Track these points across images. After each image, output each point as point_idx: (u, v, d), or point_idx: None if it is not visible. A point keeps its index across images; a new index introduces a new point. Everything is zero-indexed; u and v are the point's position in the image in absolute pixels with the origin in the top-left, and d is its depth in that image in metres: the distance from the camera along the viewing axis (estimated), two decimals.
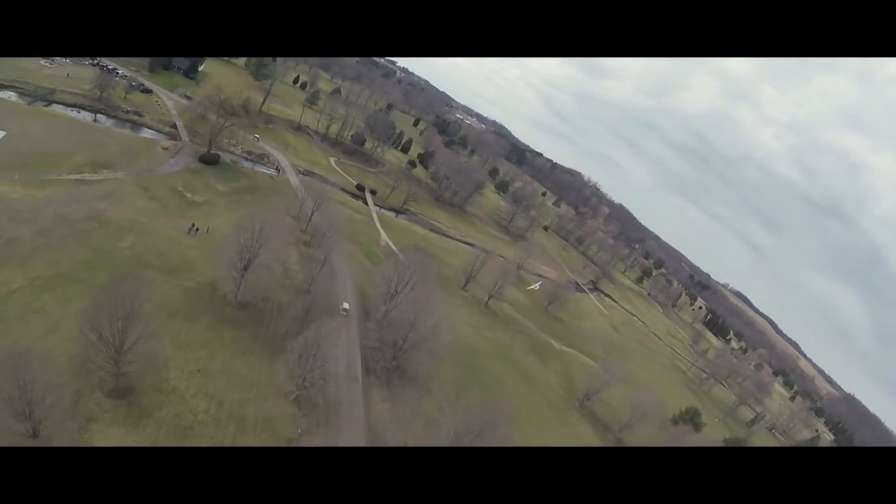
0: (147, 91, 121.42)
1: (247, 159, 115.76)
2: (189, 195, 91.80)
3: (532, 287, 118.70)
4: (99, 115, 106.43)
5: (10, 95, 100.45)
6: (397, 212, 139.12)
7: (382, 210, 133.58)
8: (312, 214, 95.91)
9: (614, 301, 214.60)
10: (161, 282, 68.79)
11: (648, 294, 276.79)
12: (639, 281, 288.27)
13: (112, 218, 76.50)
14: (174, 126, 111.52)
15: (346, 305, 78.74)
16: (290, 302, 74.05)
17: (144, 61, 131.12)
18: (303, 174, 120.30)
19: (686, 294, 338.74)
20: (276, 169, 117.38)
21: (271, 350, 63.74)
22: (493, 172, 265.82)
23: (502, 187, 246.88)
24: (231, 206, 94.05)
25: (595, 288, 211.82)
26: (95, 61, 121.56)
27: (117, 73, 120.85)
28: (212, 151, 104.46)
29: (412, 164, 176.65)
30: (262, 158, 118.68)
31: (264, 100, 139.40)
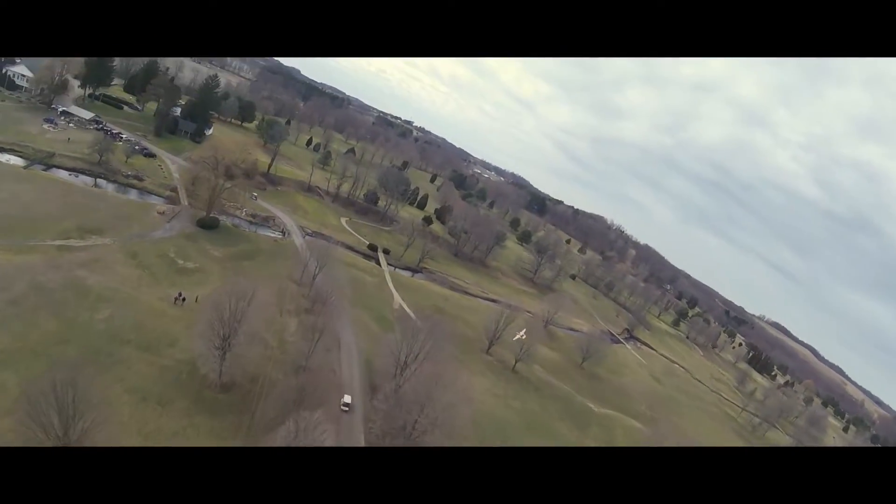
0: (150, 155, 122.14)
1: (251, 222, 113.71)
2: (181, 262, 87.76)
3: (519, 336, 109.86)
4: (99, 180, 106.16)
5: (9, 159, 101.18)
6: (413, 271, 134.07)
7: (397, 270, 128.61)
8: (315, 278, 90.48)
9: (652, 349, 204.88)
10: (135, 359, 63.57)
11: (686, 337, 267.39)
12: (675, 324, 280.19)
13: (92, 287, 72.91)
14: (174, 190, 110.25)
15: (347, 399, 68.86)
16: (283, 381, 66.60)
17: (150, 126, 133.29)
18: (310, 236, 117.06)
19: (724, 332, 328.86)
20: (281, 232, 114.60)
21: (253, 443, 55.78)
22: (515, 223, 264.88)
23: (525, 238, 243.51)
24: (226, 272, 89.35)
25: (631, 336, 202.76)
26: (99, 125, 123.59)
27: (120, 137, 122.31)
28: (211, 215, 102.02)
29: (428, 220, 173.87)
30: (267, 221, 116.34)
31: (272, 161, 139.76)
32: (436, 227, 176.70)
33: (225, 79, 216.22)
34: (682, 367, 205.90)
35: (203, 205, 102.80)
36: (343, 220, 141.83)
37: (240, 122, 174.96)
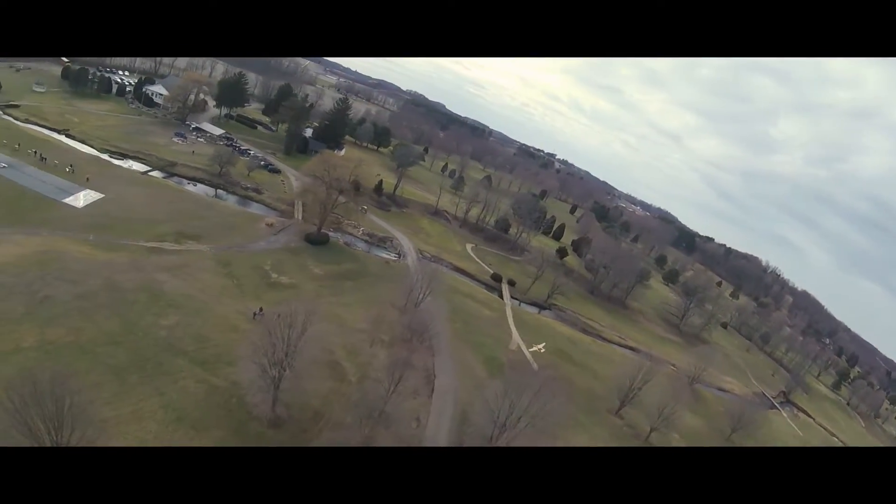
0: (275, 171, 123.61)
1: (367, 242, 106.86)
2: (274, 276, 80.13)
3: (537, 349, 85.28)
4: (219, 191, 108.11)
5: (131, 165, 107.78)
6: (540, 307, 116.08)
7: (521, 305, 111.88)
8: (418, 305, 76.80)
9: (810, 417, 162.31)
10: (185, 374, 55.09)
11: (847, 403, 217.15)
12: (835, 386, 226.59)
13: (167, 292, 68.46)
14: (291, 204, 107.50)
15: None
16: (349, 426, 51.92)
17: (281, 145, 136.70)
18: (428, 260, 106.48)
19: (888, 399, 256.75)
20: (397, 254, 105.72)
21: None
22: (661, 260, 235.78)
23: (671, 277, 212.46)
24: (322, 291, 79.83)
25: (787, 401, 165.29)
26: (228, 142, 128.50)
27: (248, 153, 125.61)
28: (322, 231, 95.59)
29: (562, 251, 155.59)
30: (384, 242, 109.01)
31: (398, 182, 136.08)
32: (571, 259, 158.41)
33: (364, 107, 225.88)
34: (842, 443, 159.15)
35: (317, 220, 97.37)
36: (468, 247, 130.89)
37: (375, 147, 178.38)
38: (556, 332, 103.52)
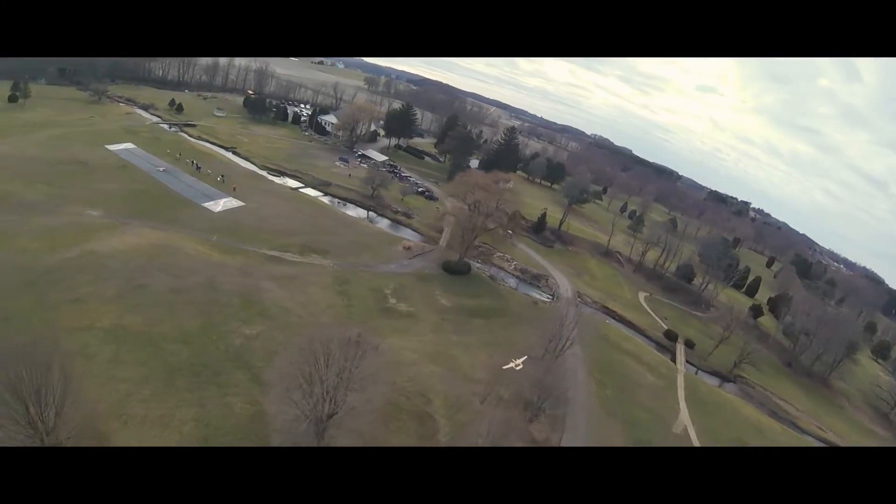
0: (432, 198, 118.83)
1: (518, 278, 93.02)
2: (393, 301, 70.38)
3: (512, 365, 53.14)
4: (370, 213, 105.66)
5: (286, 181, 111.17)
6: (723, 378, 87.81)
7: (698, 373, 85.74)
8: (556, 357, 59.87)
9: None
10: (239, 391, 50.35)
11: None
12: None
13: (265, 300, 64.43)
14: (440, 231, 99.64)
15: None
16: None
17: (444, 174, 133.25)
18: (587, 306, 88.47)
19: None
20: (550, 295, 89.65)
21: None
22: (870, 328, 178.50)
23: (881, 351, 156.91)
24: (442, 326, 67.58)
25: None
26: (390, 168, 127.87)
27: (408, 179, 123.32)
28: (463, 259, 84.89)
29: (756, 309, 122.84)
30: (537, 280, 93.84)
31: (564, 216, 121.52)
32: (766, 321, 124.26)
33: (541, 146, 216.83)
34: None
35: (462, 248, 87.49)
36: (641, 296, 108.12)
37: (549, 184, 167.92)
38: (739, 415, 76.20)
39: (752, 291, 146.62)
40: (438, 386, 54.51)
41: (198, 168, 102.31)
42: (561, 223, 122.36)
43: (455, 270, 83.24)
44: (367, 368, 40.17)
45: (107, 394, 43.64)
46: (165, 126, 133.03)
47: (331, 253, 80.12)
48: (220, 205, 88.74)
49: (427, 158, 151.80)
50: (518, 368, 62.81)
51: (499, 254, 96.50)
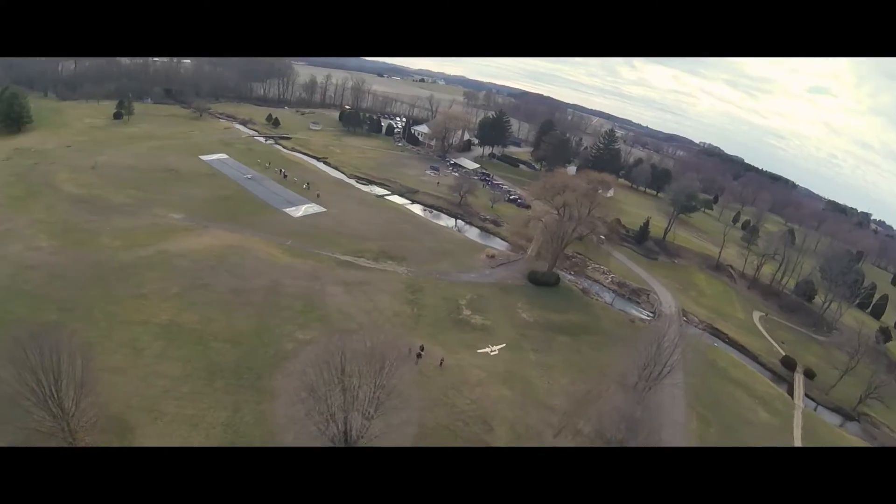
0: (524, 206, 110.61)
1: (615, 292, 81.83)
2: (467, 312, 63.12)
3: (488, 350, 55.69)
4: (458, 221, 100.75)
5: (372, 189, 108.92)
6: (845, 415, 69.36)
7: (818, 408, 68.54)
8: (650, 388, 48.96)
9: None
10: (272, 397, 40.91)
11: None
12: None
13: (327, 306, 62.12)
14: (530, 239, 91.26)
15: None
16: None
17: (539, 180, 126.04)
18: (693, 326, 75.06)
19: None
20: (651, 313, 77.57)
21: None
22: None
23: None
24: (520, 343, 59.11)
25: None
26: (483, 177, 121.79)
27: (500, 187, 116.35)
28: (552, 270, 76.01)
29: (885, 333, 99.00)
30: (637, 295, 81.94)
31: (669, 225, 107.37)
32: (895, 347, 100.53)
33: (645, 154, 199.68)
34: None
35: (551, 258, 78.63)
36: (755, 316, 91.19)
37: (655, 193, 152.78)
38: None
39: (878, 312, 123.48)
40: (505, 412, 46.96)
41: (284, 176, 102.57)
42: (666, 233, 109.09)
43: (542, 282, 74.61)
44: (409, 386, 33.23)
45: (145, 388, 42.86)
46: (261, 139, 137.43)
47: (407, 260, 74.67)
48: (301, 210, 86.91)
49: (522, 167, 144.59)
50: (493, 354, 57.43)
51: (594, 265, 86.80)
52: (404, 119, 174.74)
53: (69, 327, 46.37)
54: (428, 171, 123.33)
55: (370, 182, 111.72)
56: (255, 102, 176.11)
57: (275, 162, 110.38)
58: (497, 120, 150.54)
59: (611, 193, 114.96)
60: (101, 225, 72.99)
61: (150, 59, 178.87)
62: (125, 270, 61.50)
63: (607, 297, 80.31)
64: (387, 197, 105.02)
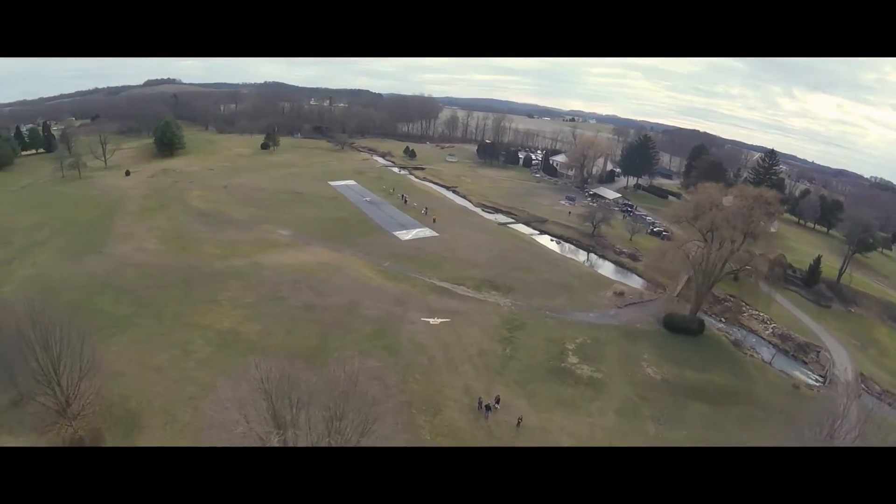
0: (669, 238, 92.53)
1: (777, 347, 61.12)
2: (573, 360, 49.37)
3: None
4: (590, 255, 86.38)
5: (496, 217, 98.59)
6: None
7: None
8: None
9: None
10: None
11: None
12: None
13: (400, 333, 51.84)
14: (673, 277, 74.77)
15: None
16: None
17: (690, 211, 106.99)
18: (876, 397, 51.67)
19: None
20: (820, 376, 55.56)
21: None
22: None
23: None
24: (637, 408, 43.49)
25: None
26: (624, 207, 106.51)
27: (642, 218, 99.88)
28: (696, 315, 59.50)
29: None
30: (803, 352, 59.45)
31: (843, 266, 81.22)
32: None
33: (812, 188, 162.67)
34: None
35: (699, 301, 61.97)
36: None
37: (825, 230, 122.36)
38: None
39: None
40: None
41: (405, 201, 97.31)
42: (840, 274, 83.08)
43: (680, 328, 58.13)
44: None
45: (173, 392, 40.61)
46: (395, 169, 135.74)
47: (515, 291, 63.00)
48: (412, 234, 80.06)
49: (671, 198, 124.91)
50: (433, 323, 53.82)
51: (751, 311, 66.61)
52: (543, 150, 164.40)
53: (134, 321, 50.15)
54: (562, 202, 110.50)
55: (496, 210, 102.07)
56: (399, 138, 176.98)
57: (399, 188, 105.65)
58: (642, 145, 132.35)
59: (774, 228, 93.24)
60: (211, 236, 73.61)
61: (305, 101, 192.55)
62: (212, 277, 61.01)
63: (765, 352, 60.57)
64: (510, 225, 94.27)
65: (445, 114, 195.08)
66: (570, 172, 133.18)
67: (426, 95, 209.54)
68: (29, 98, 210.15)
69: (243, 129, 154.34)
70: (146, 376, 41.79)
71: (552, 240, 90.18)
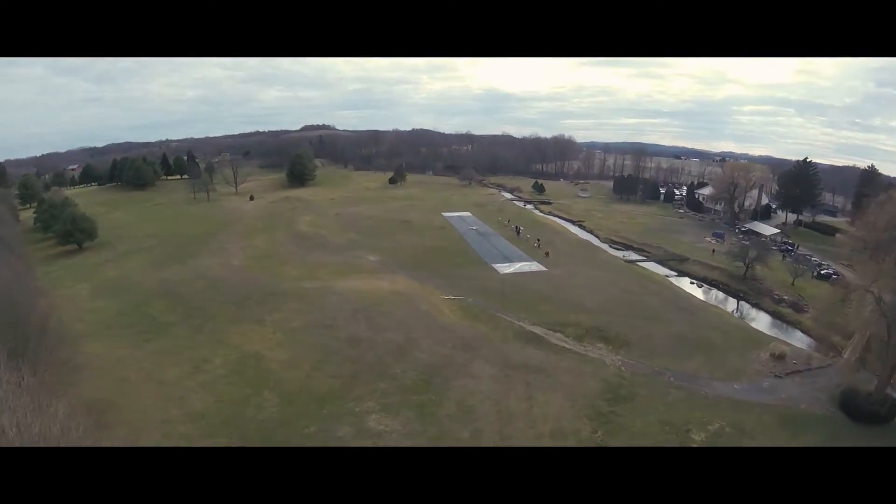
0: (840, 280, 66.46)
1: None
2: None
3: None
4: (740, 303, 64.73)
5: (627, 255, 79.13)
6: None
7: None
8: None
9: None
10: None
11: None
12: None
13: (449, 389, 37.83)
14: (849, 337, 50.74)
15: None
16: None
17: (866, 252, 76.22)
18: None
19: None
20: None
21: None
22: None
23: None
24: None
25: None
26: (783, 245, 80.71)
27: (807, 259, 73.17)
28: (885, 392, 36.82)
29: None
30: None
31: None
32: None
33: None
34: None
35: (889, 372, 38.93)
36: None
37: None
38: None
39: None
40: None
41: (518, 232, 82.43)
42: None
43: (863, 412, 35.92)
44: None
45: (155, 410, 34.33)
46: (519, 203, 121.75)
47: (630, 346, 44.80)
48: (514, 267, 65.13)
49: (839, 235, 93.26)
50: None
51: None
52: (688, 184, 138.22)
53: (172, 330, 46.53)
54: (708, 239, 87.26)
55: (626, 247, 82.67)
56: (532, 175, 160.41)
57: (517, 221, 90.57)
58: (801, 172, 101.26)
59: None
60: (298, 257, 67.17)
61: (446, 145, 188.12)
62: (273, 296, 53.60)
63: None
64: (640, 263, 74.88)
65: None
66: (719, 207, 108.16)
67: (566, 137, 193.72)
68: (196, 136, 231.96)
69: (378, 167, 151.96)
70: (145, 387, 37.15)
71: (692, 282, 69.00)
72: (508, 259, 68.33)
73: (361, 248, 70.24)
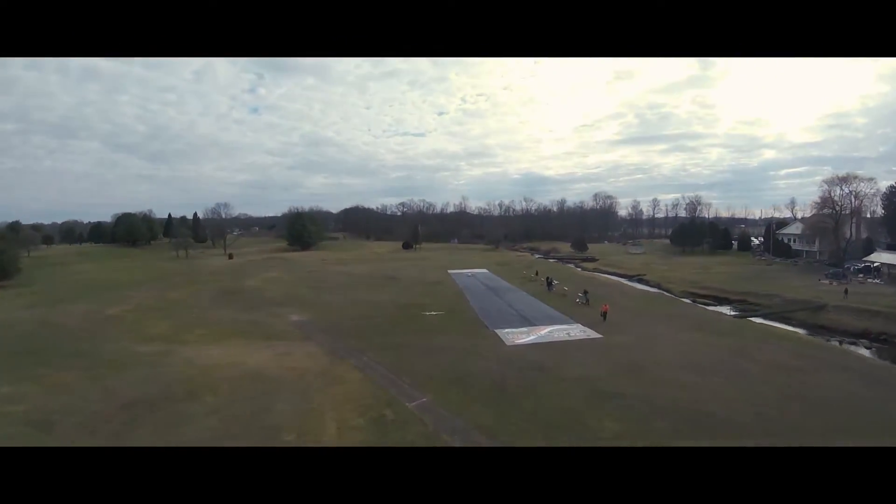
0: None
1: None
2: None
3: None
4: None
5: (724, 309, 46.28)
6: None
7: None
8: None
9: None
10: None
11: None
12: None
13: None
14: None
15: None
16: None
17: None
18: None
19: None
20: None
21: None
22: None
23: None
24: None
25: None
26: None
27: None
28: None
29: None
30: None
31: None
32: None
33: None
34: None
35: None
36: None
37: None
38: None
39: None
40: None
41: (550, 285, 50.66)
42: None
43: None
44: None
45: None
46: (553, 260, 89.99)
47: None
48: (538, 332, 32.70)
49: None
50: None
51: None
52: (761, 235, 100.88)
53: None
54: (824, 281, 53.02)
55: (717, 300, 49.91)
56: (568, 240, 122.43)
57: (548, 273, 58.32)
58: None
59: None
60: (197, 311, 41.37)
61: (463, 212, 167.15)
62: (75, 356, 28.15)
63: None
64: (751, 318, 40.20)
65: (624, 207, 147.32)
66: (814, 248, 75.61)
67: (609, 204, 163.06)
68: (240, 216, 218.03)
69: (399, 237, 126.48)
70: None
71: (834, 339, 34.60)
72: (528, 321, 35.94)
73: (293, 306, 40.83)
